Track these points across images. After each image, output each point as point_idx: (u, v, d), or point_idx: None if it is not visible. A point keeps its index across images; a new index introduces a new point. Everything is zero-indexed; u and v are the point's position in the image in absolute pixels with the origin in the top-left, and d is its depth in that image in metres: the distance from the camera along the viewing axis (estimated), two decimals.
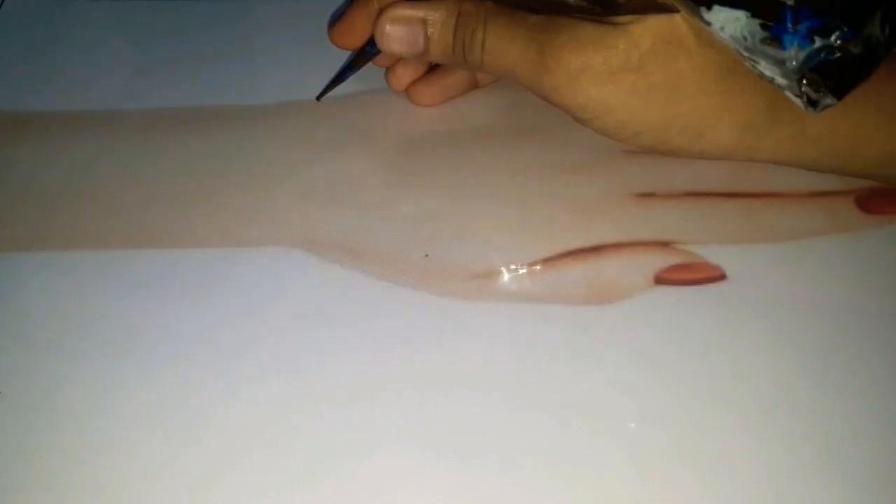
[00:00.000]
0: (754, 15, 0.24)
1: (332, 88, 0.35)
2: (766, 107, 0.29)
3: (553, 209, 0.31)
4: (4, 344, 0.28)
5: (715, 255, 0.30)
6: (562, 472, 0.25)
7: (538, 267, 0.30)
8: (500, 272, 0.30)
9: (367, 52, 0.33)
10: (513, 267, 0.30)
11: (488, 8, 0.30)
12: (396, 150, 0.34)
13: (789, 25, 0.23)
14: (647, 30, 0.28)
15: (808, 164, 0.31)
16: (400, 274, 0.30)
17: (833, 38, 0.23)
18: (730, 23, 0.25)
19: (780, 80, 0.25)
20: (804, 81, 0.24)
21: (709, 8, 0.25)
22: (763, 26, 0.24)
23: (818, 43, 0.23)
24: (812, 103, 0.24)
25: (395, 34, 0.31)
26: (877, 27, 0.23)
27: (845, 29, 0.23)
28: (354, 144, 0.34)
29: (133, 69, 0.38)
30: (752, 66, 0.26)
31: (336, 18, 0.34)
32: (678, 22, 0.28)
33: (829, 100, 0.24)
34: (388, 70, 0.35)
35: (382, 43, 0.31)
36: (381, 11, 0.31)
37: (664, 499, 0.24)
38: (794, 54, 0.24)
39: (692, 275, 0.29)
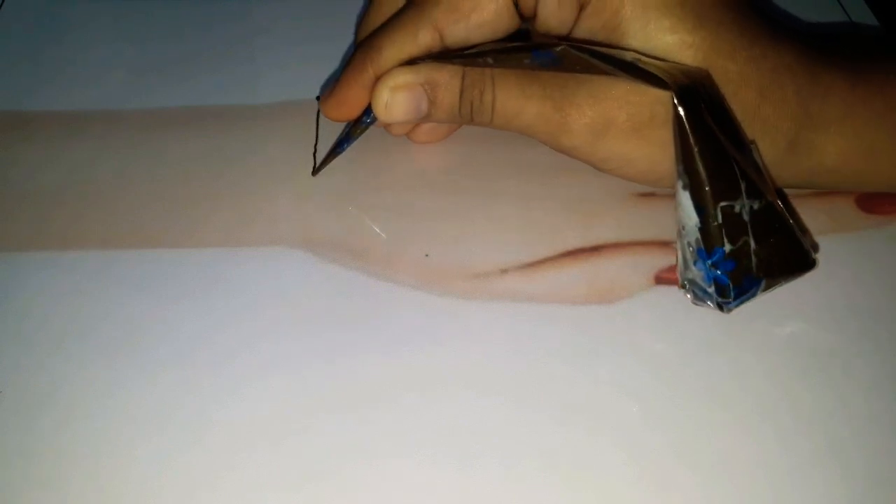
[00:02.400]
0: (701, 230, 0.26)
1: (329, 162, 0.32)
2: (786, 146, 0.28)
3: (553, 209, 0.31)
4: (4, 344, 0.28)
5: None
6: (562, 472, 0.25)
7: (538, 267, 0.30)
8: (500, 272, 0.30)
9: (364, 122, 0.31)
10: (513, 267, 0.30)
11: (493, 68, 0.28)
12: (396, 151, 0.34)
13: (710, 262, 0.26)
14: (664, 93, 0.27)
15: (829, 187, 0.31)
16: (400, 274, 0.30)
17: (719, 298, 0.26)
18: (685, 211, 0.27)
19: (678, 265, 0.28)
20: (683, 280, 0.27)
21: (683, 188, 0.26)
22: (697, 241, 0.26)
23: (710, 289, 0.26)
24: (683, 290, 0.28)
25: (397, 103, 0.29)
26: (759, 295, 0.27)
27: (731, 301, 0.26)
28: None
29: (133, 69, 0.38)
30: (677, 240, 0.28)
31: (328, 88, 0.31)
32: None
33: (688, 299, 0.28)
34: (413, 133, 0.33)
35: (383, 114, 0.29)
36: (378, 80, 0.29)
37: (664, 499, 0.24)
38: (694, 273, 0.27)
39: None
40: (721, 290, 0.26)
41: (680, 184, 0.26)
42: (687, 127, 0.26)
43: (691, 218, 0.26)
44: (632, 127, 0.28)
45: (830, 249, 0.30)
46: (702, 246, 0.25)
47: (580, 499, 0.24)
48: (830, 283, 0.29)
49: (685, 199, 0.26)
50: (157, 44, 0.39)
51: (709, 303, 0.26)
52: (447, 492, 0.24)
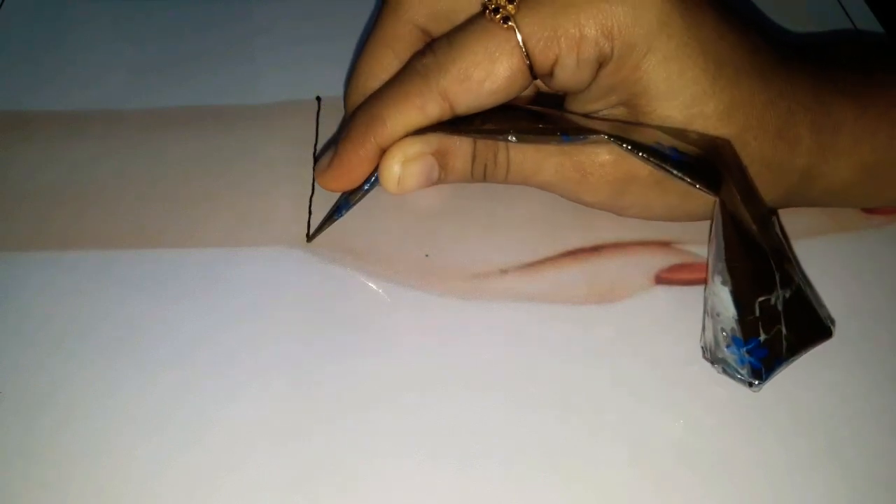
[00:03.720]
0: (737, 321, 0.26)
1: (325, 228, 0.30)
2: (798, 179, 0.28)
3: (553, 209, 0.31)
4: (4, 344, 0.28)
5: None
6: (562, 472, 0.25)
7: (538, 267, 0.30)
8: (500, 272, 0.30)
9: (363, 189, 0.29)
10: (513, 267, 0.30)
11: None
12: None
13: (745, 349, 0.26)
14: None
15: (833, 206, 0.31)
16: (400, 274, 0.30)
17: (750, 380, 0.26)
18: (721, 302, 0.26)
19: (704, 339, 0.27)
20: (710, 354, 0.27)
21: (722, 284, 0.26)
22: (733, 330, 0.26)
23: (742, 370, 0.26)
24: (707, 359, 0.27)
25: (409, 175, 0.27)
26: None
27: (761, 383, 0.26)
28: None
29: (133, 69, 0.38)
30: (705, 305, 0.27)
31: (324, 158, 0.29)
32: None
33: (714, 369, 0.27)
34: None
35: (394, 188, 0.28)
36: (386, 152, 0.27)
37: (664, 499, 0.24)
38: (725, 354, 0.26)
39: (693, 274, 0.30)
40: (754, 374, 0.26)
41: (719, 279, 0.26)
42: (733, 230, 0.26)
43: (728, 310, 0.26)
44: (654, 181, 0.28)
45: (830, 249, 0.30)
46: (738, 335, 0.26)
47: (580, 499, 0.24)
48: (830, 283, 0.29)
49: (723, 293, 0.26)
50: (157, 44, 0.39)
51: (738, 378, 0.26)
52: (447, 492, 0.24)
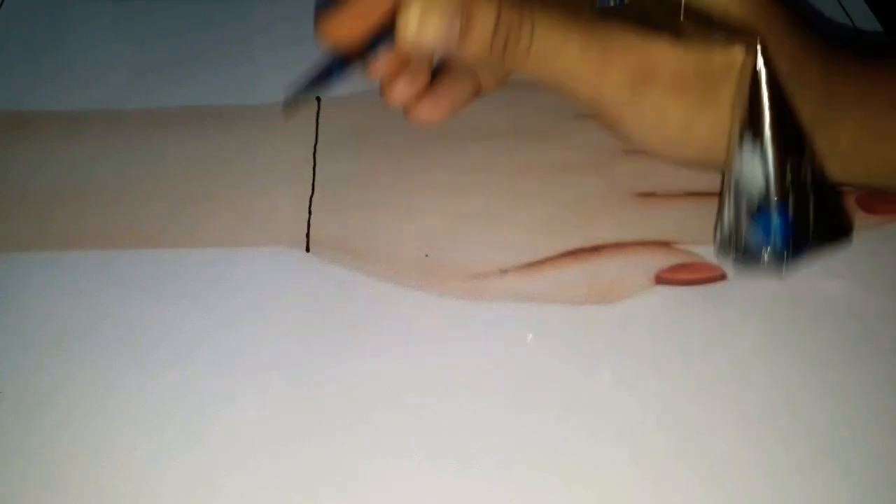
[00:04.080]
0: (766, 188, 0.25)
1: (311, 92, 0.28)
2: (809, 120, 0.27)
3: (553, 209, 0.31)
4: (4, 344, 0.28)
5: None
6: (562, 472, 0.25)
7: (538, 267, 0.30)
8: (499, 272, 0.30)
9: (368, 49, 0.27)
10: (513, 267, 0.30)
11: (533, 2, 0.26)
12: (396, 150, 0.34)
13: (772, 224, 0.25)
14: (713, 51, 0.27)
15: (837, 175, 0.29)
16: (400, 274, 0.30)
17: (774, 263, 0.25)
18: (750, 165, 0.25)
19: (724, 221, 0.27)
20: (728, 243, 0.26)
21: (753, 140, 0.25)
22: (761, 199, 0.25)
23: (764, 252, 0.25)
24: (718, 254, 0.27)
25: (429, 20, 0.25)
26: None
27: (786, 267, 0.25)
28: (355, 144, 0.34)
29: (133, 69, 0.38)
30: (723, 193, 0.27)
31: (328, 10, 0.27)
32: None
33: (727, 263, 0.27)
34: (385, 82, 0.30)
35: (411, 32, 0.25)
36: None
37: (664, 499, 0.24)
38: (748, 233, 0.25)
39: (692, 275, 0.29)
40: (775, 255, 0.24)
41: (749, 137, 0.25)
42: (767, 75, 0.25)
43: (757, 175, 0.24)
44: (674, 82, 0.27)
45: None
46: (765, 206, 0.24)
47: (580, 499, 0.24)
48: (830, 283, 0.29)
49: (754, 153, 0.25)
50: (157, 44, 0.39)
51: (757, 266, 0.25)
52: (447, 492, 0.24)
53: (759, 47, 0.25)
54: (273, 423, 0.26)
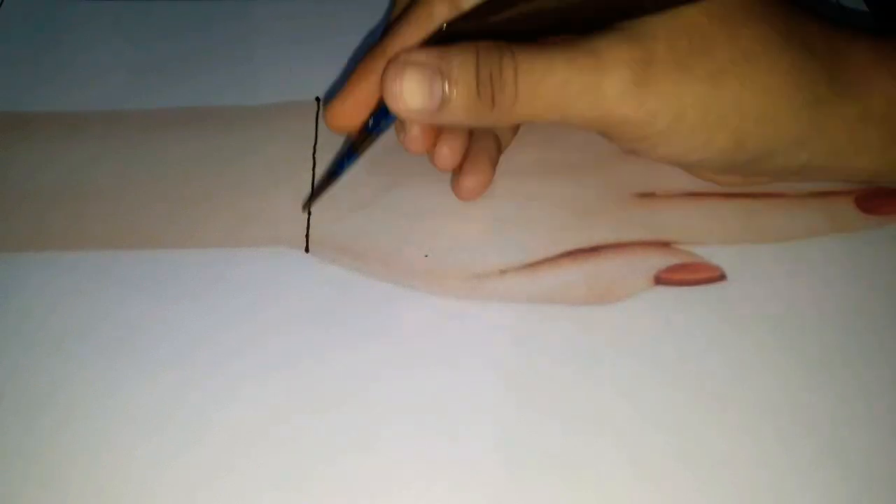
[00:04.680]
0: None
1: (328, 186, 0.29)
2: (828, 80, 0.27)
3: (552, 209, 0.31)
4: (4, 344, 0.28)
5: (715, 255, 0.30)
6: (562, 472, 0.25)
7: (538, 267, 0.30)
8: (499, 272, 0.30)
9: (370, 130, 0.28)
10: (512, 267, 0.30)
11: (509, 42, 0.26)
12: (396, 150, 0.34)
13: None
14: (700, 11, 0.26)
15: (873, 157, 0.28)
16: (400, 274, 0.30)
17: None
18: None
19: None
20: None
21: None
22: None
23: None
24: None
25: (410, 83, 0.25)
26: None
27: None
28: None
29: (133, 69, 0.38)
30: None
31: (331, 100, 0.29)
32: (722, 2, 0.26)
33: None
34: (429, 152, 0.30)
35: (395, 100, 0.26)
36: (388, 63, 0.26)
37: (664, 499, 0.24)
38: None
39: (692, 275, 0.29)
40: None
41: None
42: None
43: None
44: (674, 59, 0.26)
45: (830, 249, 0.30)
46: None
47: (580, 499, 0.24)
48: (831, 283, 0.29)
49: None
50: (157, 44, 0.39)
51: None
52: (447, 491, 0.24)
53: None
54: (273, 422, 0.26)
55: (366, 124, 0.28)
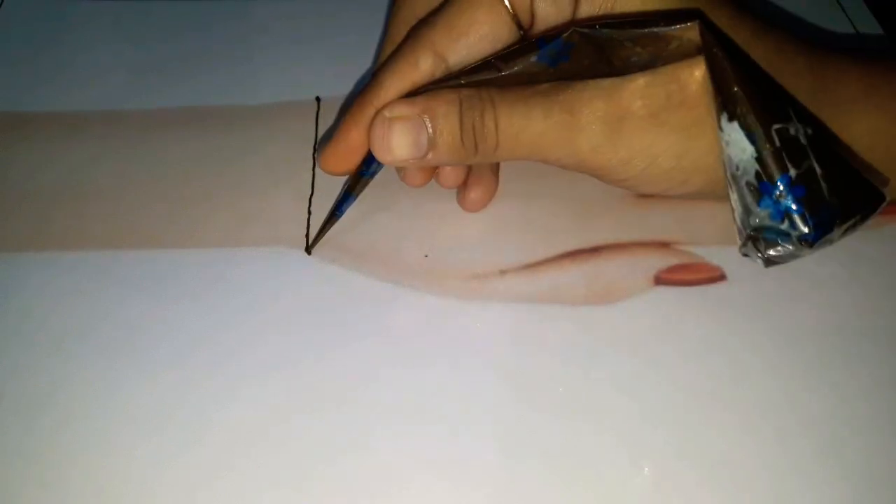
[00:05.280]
0: (758, 160, 0.24)
1: (326, 232, 0.30)
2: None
3: (553, 209, 0.31)
4: (4, 344, 0.28)
5: (715, 255, 0.30)
6: (562, 472, 0.25)
7: (537, 267, 0.30)
8: (499, 272, 0.30)
9: (362, 174, 0.29)
10: (512, 267, 0.30)
11: (490, 89, 0.27)
12: None
13: (777, 192, 0.23)
14: (678, 69, 0.26)
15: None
16: (400, 274, 0.30)
17: (797, 231, 0.24)
18: (736, 146, 0.25)
19: (736, 219, 0.26)
20: (749, 239, 0.25)
21: (730, 120, 0.25)
22: (758, 174, 0.24)
23: (784, 225, 0.24)
24: (745, 252, 0.26)
25: (395, 136, 0.27)
26: (836, 235, 0.24)
27: (812, 232, 0.23)
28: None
29: (133, 69, 0.38)
30: (727, 187, 0.26)
31: (324, 144, 0.30)
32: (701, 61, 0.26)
33: (757, 261, 0.26)
34: (435, 176, 0.31)
35: (382, 151, 0.27)
36: (374, 115, 0.28)
37: (664, 499, 0.24)
38: (761, 216, 0.24)
39: (692, 275, 0.30)
40: (795, 223, 0.23)
41: (725, 117, 0.24)
42: (721, 51, 0.24)
43: (745, 151, 0.23)
44: (649, 113, 0.26)
45: (830, 249, 0.30)
46: (763, 179, 0.23)
47: (580, 498, 0.24)
48: (830, 283, 0.29)
49: (734, 132, 0.24)
50: (157, 44, 0.39)
51: (786, 244, 0.23)
52: (447, 491, 0.24)
53: (700, 26, 0.24)
54: (272, 422, 0.26)
55: (359, 168, 0.29)
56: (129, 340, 0.28)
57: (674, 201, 0.31)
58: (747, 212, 0.24)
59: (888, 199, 0.25)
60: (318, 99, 0.36)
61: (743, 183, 0.24)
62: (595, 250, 0.30)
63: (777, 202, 0.23)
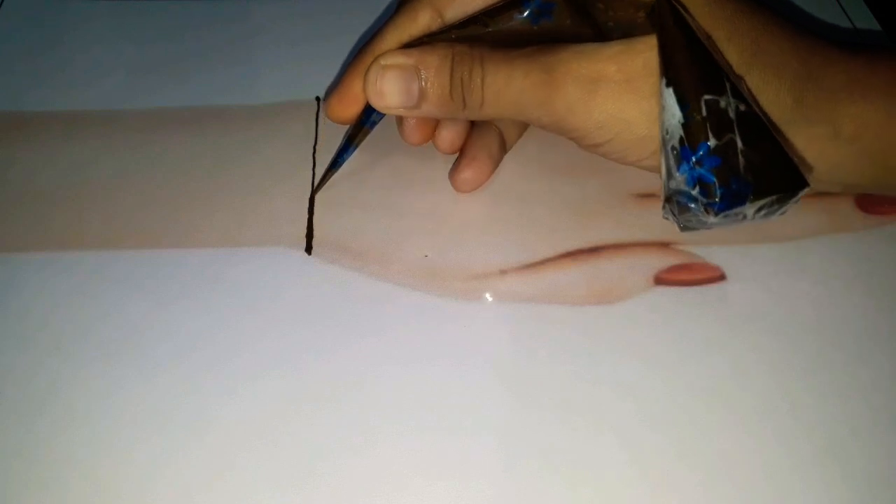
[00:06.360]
0: (684, 126, 0.25)
1: (329, 177, 0.32)
2: (793, 103, 0.27)
3: (553, 209, 0.31)
4: (4, 344, 0.28)
5: (715, 255, 0.30)
6: (562, 472, 0.25)
7: (538, 268, 0.30)
8: (499, 272, 0.30)
9: (363, 123, 0.31)
10: (512, 267, 0.30)
11: (482, 48, 0.28)
12: (396, 151, 0.34)
13: (694, 159, 0.24)
14: (654, 39, 0.27)
15: (847, 173, 0.29)
16: (400, 274, 0.30)
17: (705, 199, 0.25)
18: (669, 111, 0.26)
19: (664, 184, 0.27)
20: (667, 202, 0.26)
21: (667, 85, 0.26)
22: (682, 140, 0.25)
23: (695, 191, 0.25)
24: (665, 215, 0.27)
25: (388, 83, 0.28)
26: (749, 210, 0.25)
27: (718, 202, 0.24)
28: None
29: (133, 69, 0.38)
30: (662, 154, 0.27)
31: (329, 94, 0.31)
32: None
33: (674, 224, 0.27)
34: (431, 139, 0.32)
35: (376, 98, 0.29)
36: (371, 63, 0.29)
37: (664, 499, 0.24)
38: (678, 180, 0.25)
39: (692, 275, 0.30)
40: (706, 190, 0.24)
41: (664, 82, 0.25)
42: (671, 19, 0.26)
43: (675, 116, 0.24)
44: (624, 78, 0.27)
45: (830, 249, 0.30)
46: (686, 144, 0.24)
47: (580, 498, 0.24)
48: (831, 283, 0.29)
49: (669, 97, 0.25)
50: (157, 44, 0.39)
51: (696, 211, 0.24)
52: (447, 491, 0.24)
53: None
54: (272, 422, 0.26)
55: (360, 118, 0.31)
56: (128, 340, 0.28)
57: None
58: (669, 175, 0.25)
59: (809, 184, 0.26)
60: (318, 99, 0.36)
61: (669, 147, 0.25)
62: (595, 250, 0.30)
63: (693, 168, 0.24)
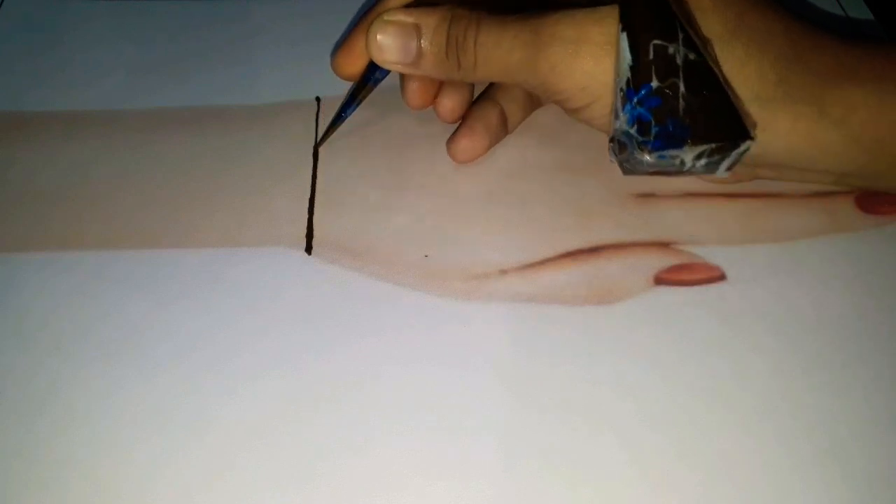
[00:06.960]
0: (632, 68, 0.26)
1: (334, 130, 0.33)
2: (776, 79, 0.27)
3: (553, 209, 0.31)
4: (4, 344, 0.28)
5: (715, 255, 0.30)
6: (562, 472, 0.25)
7: (538, 268, 0.30)
8: (499, 272, 0.30)
9: (367, 79, 0.32)
10: (512, 267, 0.30)
11: (480, 11, 0.29)
12: (396, 151, 0.34)
13: (636, 99, 0.25)
14: None
15: (836, 160, 0.28)
16: (399, 274, 0.30)
17: (640, 137, 0.25)
18: (622, 54, 0.26)
19: (612, 126, 0.27)
20: (611, 142, 0.27)
21: (622, 30, 0.27)
22: (628, 82, 0.26)
23: (633, 130, 0.25)
24: (611, 158, 0.28)
25: (387, 38, 0.30)
26: (687, 156, 0.26)
27: (652, 140, 0.25)
28: (354, 144, 0.34)
29: (133, 69, 0.38)
30: (615, 96, 0.27)
31: (337, 49, 0.33)
32: None
33: (617, 165, 0.27)
34: (431, 104, 0.33)
35: (375, 51, 0.30)
36: (373, 18, 0.30)
37: (664, 499, 0.24)
38: (621, 119, 0.26)
39: (692, 275, 0.30)
40: (643, 128, 0.25)
41: (620, 27, 0.26)
42: None
43: (625, 60, 0.25)
44: (606, 40, 0.27)
45: (830, 249, 0.30)
46: (631, 86, 0.25)
47: (580, 498, 0.24)
48: (830, 283, 0.29)
49: (623, 41, 0.26)
50: (157, 44, 0.39)
51: (632, 150, 0.25)
52: (446, 491, 0.24)
53: None
54: (272, 422, 0.26)
55: (364, 74, 0.32)
56: (128, 340, 0.28)
57: (673, 201, 0.31)
58: (616, 116, 0.26)
59: (754, 138, 0.26)
60: (318, 99, 0.36)
61: (618, 89, 0.26)
62: (595, 250, 0.30)
63: (634, 108, 0.25)
